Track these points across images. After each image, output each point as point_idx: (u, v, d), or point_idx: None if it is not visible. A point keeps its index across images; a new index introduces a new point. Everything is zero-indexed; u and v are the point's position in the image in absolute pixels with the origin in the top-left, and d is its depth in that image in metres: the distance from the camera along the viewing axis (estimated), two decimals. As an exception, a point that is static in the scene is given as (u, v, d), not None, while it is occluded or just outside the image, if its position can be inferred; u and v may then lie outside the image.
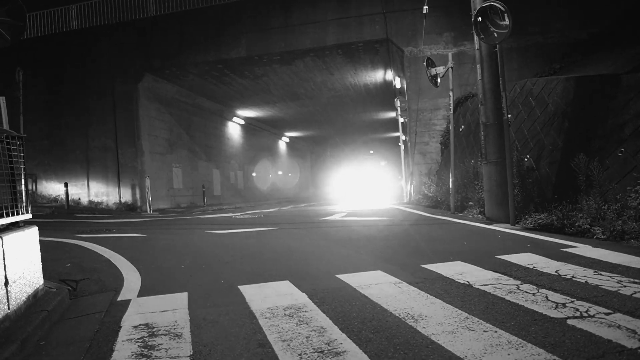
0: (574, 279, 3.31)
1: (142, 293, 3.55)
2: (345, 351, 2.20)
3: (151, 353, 2.30)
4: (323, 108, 24.14)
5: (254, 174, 27.34)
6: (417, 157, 14.08)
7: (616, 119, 6.53)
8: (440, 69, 9.55)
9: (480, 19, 6.49)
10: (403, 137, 15.39)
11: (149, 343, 2.43)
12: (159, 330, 2.64)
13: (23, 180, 3.23)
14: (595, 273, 3.45)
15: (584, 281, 3.22)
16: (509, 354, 2.05)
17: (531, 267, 3.78)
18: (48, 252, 5.43)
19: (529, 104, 9.10)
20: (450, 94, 9.46)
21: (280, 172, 32.15)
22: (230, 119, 23.90)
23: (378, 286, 3.39)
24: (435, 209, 10.38)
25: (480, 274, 3.60)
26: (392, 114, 24.44)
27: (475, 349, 2.12)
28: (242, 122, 25.13)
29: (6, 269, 2.67)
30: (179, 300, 3.26)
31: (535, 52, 12.97)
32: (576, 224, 5.60)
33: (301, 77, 17.90)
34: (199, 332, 2.59)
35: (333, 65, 16.51)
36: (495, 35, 6.40)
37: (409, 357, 2.10)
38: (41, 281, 3.30)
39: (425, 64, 9.68)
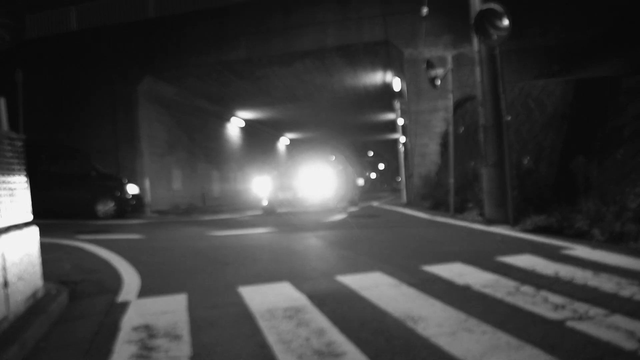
0: (573, 280, 3.32)
1: (141, 294, 3.55)
2: (344, 352, 2.20)
3: (151, 354, 2.30)
4: (322, 110, 24.16)
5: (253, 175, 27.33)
6: (416, 158, 14.09)
7: (615, 121, 6.55)
8: (439, 71, 9.55)
9: (480, 21, 6.50)
10: (403, 139, 15.39)
11: (149, 344, 2.44)
12: (159, 331, 2.64)
13: (23, 181, 3.24)
14: (595, 275, 3.45)
15: (583, 283, 3.23)
16: (508, 356, 2.05)
17: (530, 268, 3.78)
18: (47, 253, 5.41)
19: (528, 106, 9.11)
20: (450, 95, 9.46)
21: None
22: (230, 121, 23.90)
23: (377, 288, 3.39)
24: (435, 210, 10.38)
25: (479, 276, 3.60)
26: (392, 116, 24.44)
27: (475, 351, 2.12)
28: (242, 123, 25.14)
29: (6, 270, 2.67)
30: (179, 302, 3.26)
31: (534, 54, 12.98)
32: (575, 226, 5.60)
33: (301, 78, 17.91)
34: (199, 333, 2.59)
35: (332, 67, 16.52)
36: (495, 37, 6.41)
37: (408, 359, 2.10)
38: (40, 282, 3.31)
39: (424, 65, 9.69)
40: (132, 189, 12.83)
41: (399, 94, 16.06)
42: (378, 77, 18.07)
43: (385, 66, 16.60)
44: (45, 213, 11.89)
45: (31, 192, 10.43)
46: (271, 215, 11.37)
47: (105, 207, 12.13)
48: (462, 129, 12.26)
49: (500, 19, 6.25)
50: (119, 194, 12.39)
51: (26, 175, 3.29)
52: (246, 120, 25.49)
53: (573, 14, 12.77)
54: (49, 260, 4.99)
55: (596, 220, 5.49)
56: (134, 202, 12.78)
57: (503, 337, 2.27)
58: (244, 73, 16.84)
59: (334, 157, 13.61)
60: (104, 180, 12.60)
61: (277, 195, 11.47)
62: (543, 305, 2.76)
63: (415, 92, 13.83)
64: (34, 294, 3.10)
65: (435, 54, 13.51)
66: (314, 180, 11.26)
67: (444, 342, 2.25)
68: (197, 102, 19.94)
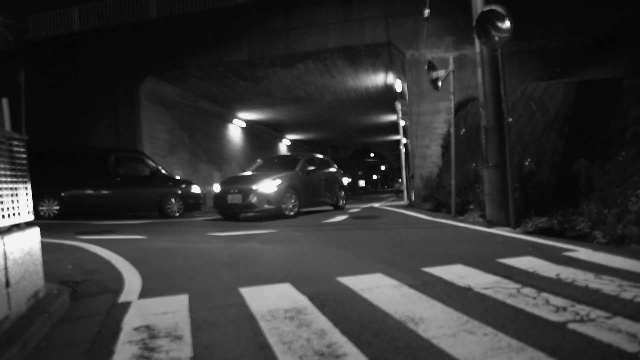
0: (574, 282, 3.31)
1: (142, 295, 3.55)
2: (345, 354, 2.20)
3: (152, 355, 2.30)
4: (324, 111, 24.16)
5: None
6: (417, 160, 14.09)
7: (617, 123, 6.54)
8: (441, 73, 9.55)
9: (482, 23, 6.50)
10: (404, 141, 15.39)
11: (150, 345, 2.44)
12: (160, 332, 2.64)
13: (25, 182, 3.24)
14: (596, 277, 3.44)
15: (584, 285, 3.22)
16: (509, 358, 2.05)
17: (532, 270, 3.77)
18: (49, 254, 5.42)
19: (529, 107, 9.11)
20: (451, 97, 9.47)
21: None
22: (231, 121, 23.93)
23: (378, 289, 3.39)
24: (436, 212, 10.38)
25: (480, 277, 3.60)
26: (393, 117, 24.44)
27: (476, 353, 2.12)
28: (243, 124, 25.16)
29: (7, 270, 2.68)
30: (180, 302, 3.26)
31: (536, 56, 12.99)
32: (577, 228, 5.60)
33: (302, 80, 17.93)
34: (200, 334, 2.59)
35: (334, 68, 16.54)
36: (497, 39, 6.41)
37: (409, 360, 2.10)
38: (42, 282, 3.31)
39: (426, 67, 9.69)
40: (195, 189, 13.65)
41: (401, 95, 16.06)
42: (380, 78, 18.08)
43: (387, 67, 16.60)
44: (117, 211, 12.91)
45: (103, 193, 10.91)
46: (229, 220, 10.67)
47: (174, 206, 12.91)
48: (463, 131, 12.26)
49: (502, 20, 6.25)
50: (185, 193, 13.17)
51: (28, 176, 3.30)
52: (248, 122, 25.51)
53: (576, 16, 12.77)
54: (51, 261, 5.00)
55: (598, 223, 5.49)
56: (194, 201, 13.51)
57: (504, 339, 2.27)
58: (246, 74, 16.87)
59: (310, 157, 12.34)
60: (170, 181, 13.36)
61: (225, 200, 10.27)
62: (544, 307, 2.76)
63: (416, 93, 13.83)
64: (35, 294, 3.11)
65: (437, 55, 13.53)
66: (267, 184, 10.10)
67: (445, 343, 2.25)
68: (199, 102, 19.97)
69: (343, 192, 13.30)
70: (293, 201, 10.46)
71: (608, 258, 4.16)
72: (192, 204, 13.35)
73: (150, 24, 15.86)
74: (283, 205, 10.18)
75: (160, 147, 17.12)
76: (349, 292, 3.36)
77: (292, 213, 10.40)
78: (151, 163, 13.29)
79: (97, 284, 3.97)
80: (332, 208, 12.94)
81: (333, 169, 12.98)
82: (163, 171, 13.40)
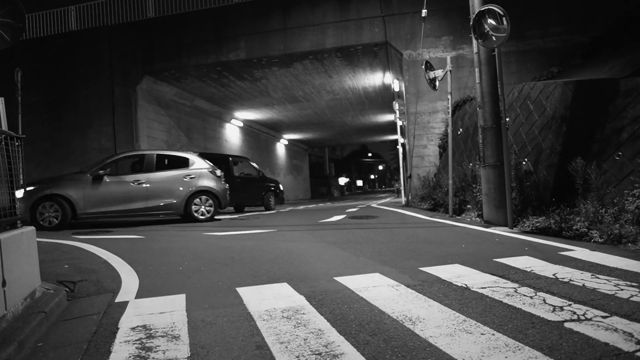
0: (571, 282, 3.32)
1: (139, 295, 3.55)
2: (342, 353, 2.20)
3: (149, 355, 2.30)
4: (322, 111, 24.16)
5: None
6: (415, 160, 14.10)
7: (614, 123, 6.56)
8: (438, 72, 9.56)
9: (479, 23, 6.51)
10: (401, 140, 15.39)
11: (147, 345, 2.43)
12: (157, 331, 2.64)
13: (22, 181, 3.23)
14: (593, 276, 3.46)
15: (581, 284, 3.23)
16: (506, 357, 2.05)
17: (529, 270, 3.78)
18: (45, 253, 5.42)
19: (527, 107, 9.13)
20: (449, 97, 9.48)
21: (279, 174, 32.14)
22: (229, 121, 23.89)
23: (376, 289, 3.39)
24: (433, 212, 10.39)
25: (478, 277, 3.61)
26: (391, 117, 24.46)
27: (473, 352, 2.12)
28: (241, 124, 25.13)
29: (3, 270, 2.67)
30: (177, 302, 3.26)
31: (534, 55, 13.02)
32: (574, 228, 5.62)
33: (300, 79, 17.93)
34: (197, 333, 2.59)
35: (332, 68, 16.54)
36: (494, 38, 6.42)
37: (406, 360, 2.10)
38: (39, 282, 3.30)
39: (423, 67, 9.70)
40: (281, 187, 17.33)
41: (398, 95, 16.07)
42: (377, 78, 18.09)
43: (385, 67, 16.62)
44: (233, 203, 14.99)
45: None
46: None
47: (271, 200, 16.23)
48: (460, 131, 12.28)
49: (500, 20, 6.26)
50: (277, 190, 16.75)
51: (24, 175, 3.29)
52: (245, 121, 25.49)
53: (574, 16, 12.80)
54: (47, 260, 5.00)
55: (595, 222, 5.51)
56: (282, 197, 17.31)
57: (501, 339, 2.27)
58: (243, 74, 16.85)
59: (119, 158, 10.28)
60: (267, 181, 16.90)
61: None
62: (541, 306, 2.77)
63: (414, 93, 13.85)
64: (32, 294, 3.10)
65: (435, 55, 13.55)
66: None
67: (442, 343, 2.25)
68: (197, 102, 19.94)
69: (210, 199, 10.27)
70: (49, 213, 9.07)
71: (605, 257, 4.17)
72: (281, 199, 17.21)
73: (147, 23, 15.83)
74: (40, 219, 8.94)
75: (157, 147, 17.07)
76: (347, 291, 3.36)
77: (50, 225, 9.03)
78: (255, 166, 16.78)
79: (94, 284, 3.96)
80: (180, 217, 10.54)
81: (181, 171, 10.17)
82: (263, 173, 16.67)
